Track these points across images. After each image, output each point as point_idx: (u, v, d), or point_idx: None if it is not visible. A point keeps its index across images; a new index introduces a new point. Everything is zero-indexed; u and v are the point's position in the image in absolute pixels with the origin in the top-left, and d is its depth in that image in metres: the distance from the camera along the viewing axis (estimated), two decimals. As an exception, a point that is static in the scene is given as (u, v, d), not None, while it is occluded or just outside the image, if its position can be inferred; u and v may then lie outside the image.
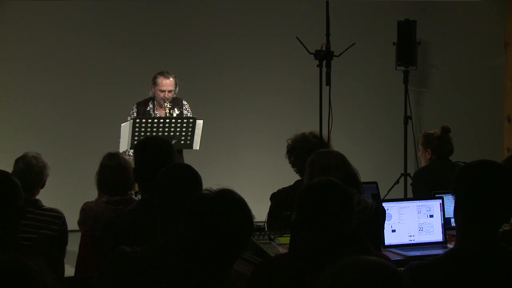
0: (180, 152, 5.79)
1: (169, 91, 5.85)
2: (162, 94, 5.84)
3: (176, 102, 5.91)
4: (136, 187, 4.13)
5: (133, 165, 5.49)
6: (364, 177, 3.73)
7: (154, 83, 5.89)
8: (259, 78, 7.65)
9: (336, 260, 1.59)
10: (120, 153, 4.28)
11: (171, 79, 5.87)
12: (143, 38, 7.46)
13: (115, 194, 4.00)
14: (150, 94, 5.95)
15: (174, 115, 5.81)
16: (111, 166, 4.05)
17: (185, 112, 5.93)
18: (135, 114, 5.82)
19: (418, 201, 4.07)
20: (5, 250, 2.44)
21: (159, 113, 5.91)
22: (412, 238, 3.98)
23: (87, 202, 4.09)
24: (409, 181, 6.67)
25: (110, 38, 7.38)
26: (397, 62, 7.40)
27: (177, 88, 5.91)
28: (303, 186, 2.89)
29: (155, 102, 5.92)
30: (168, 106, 5.79)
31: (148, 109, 5.89)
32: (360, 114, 7.85)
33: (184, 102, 6.00)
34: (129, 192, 4.09)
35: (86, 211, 4.02)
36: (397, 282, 1.54)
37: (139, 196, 4.67)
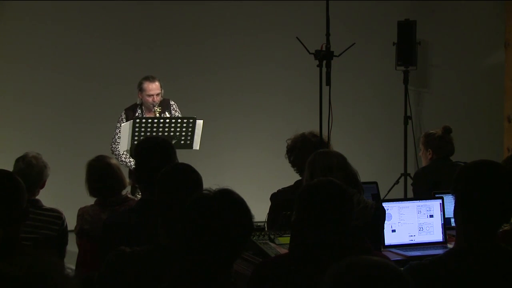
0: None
1: (157, 95, 5.85)
2: (150, 99, 5.83)
3: (164, 104, 5.90)
4: (127, 185, 4.15)
5: (130, 165, 5.55)
6: (364, 177, 3.73)
7: (140, 89, 5.86)
8: (259, 78, 7.65)
9: (337, 260, 1.59)
10: (105, 156, 4.25)
11: (156, 83, 5.87)
12: (144, 38, 7.46)
13: (107, 196, 4.01)
14: (138, 101, 5.93)
15: None
16: (96, 172, 4.06)
17: (173, 112, 5.93)
18: (124, 120, 5.78)
19: (418, 201, 4.07)
20: (7, 252, 2.42)
21: None
22: (412, 238, 3.98)
23: (82, 207, 4.10)
24: (409, 181, 6.66)
25: (110, 38, 7.37)
26: (397, 62, 7.40)
27: (163, 91, 5.91)
28: (303, 186, 2.89)
29: (143, 107, 5.91)
30: (158, 110, 5.78)
31: (136, 114, 5.86)
32: (360, 114, 7.84)
33: (172, 102, 5.99)
34: (122, 193, 4.10)
35: (83, 216, 4.03)
36: (400, 282, 1.54)
37: (138, 195, 4.70)
